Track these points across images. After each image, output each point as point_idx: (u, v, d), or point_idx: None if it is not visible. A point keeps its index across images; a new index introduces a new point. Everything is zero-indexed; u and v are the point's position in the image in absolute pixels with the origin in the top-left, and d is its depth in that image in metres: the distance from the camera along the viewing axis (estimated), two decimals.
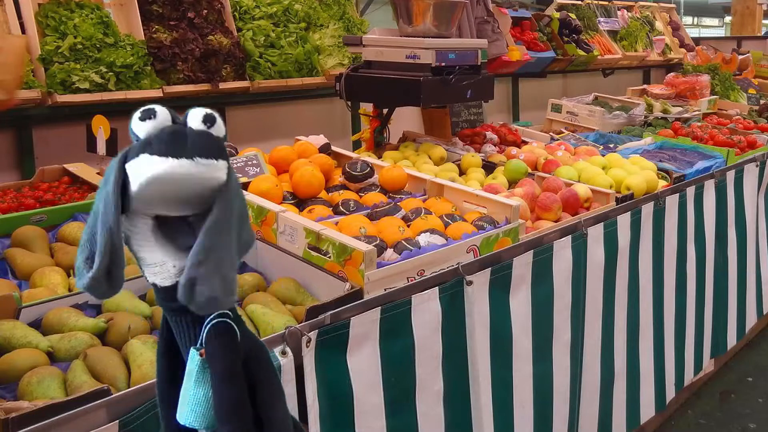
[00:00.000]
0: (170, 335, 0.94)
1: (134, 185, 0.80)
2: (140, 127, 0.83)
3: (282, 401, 0.97)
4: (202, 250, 0.81)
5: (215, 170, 0.82)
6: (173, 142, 0.80)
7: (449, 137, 3.42)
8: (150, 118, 0.82)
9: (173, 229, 0.86)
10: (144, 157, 0.79)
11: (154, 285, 0.88)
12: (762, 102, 5.38)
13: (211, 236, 0.82)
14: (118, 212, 0.80)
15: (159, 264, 0.85)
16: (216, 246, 0.82)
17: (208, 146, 0.81)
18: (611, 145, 3.71)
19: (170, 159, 0.79)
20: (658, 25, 6.61)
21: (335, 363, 1.61)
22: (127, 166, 0.81)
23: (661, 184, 2.96)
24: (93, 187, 2.51)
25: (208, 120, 0.84)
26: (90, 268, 0.81)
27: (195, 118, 0.84)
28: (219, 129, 0.85)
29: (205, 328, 0.88)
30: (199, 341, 0.89)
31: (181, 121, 0.85)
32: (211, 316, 0.89)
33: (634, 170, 2.94)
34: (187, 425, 0.89)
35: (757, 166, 3.57)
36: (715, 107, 5.12)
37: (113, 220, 0.79)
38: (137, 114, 0.83)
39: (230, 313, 0.90)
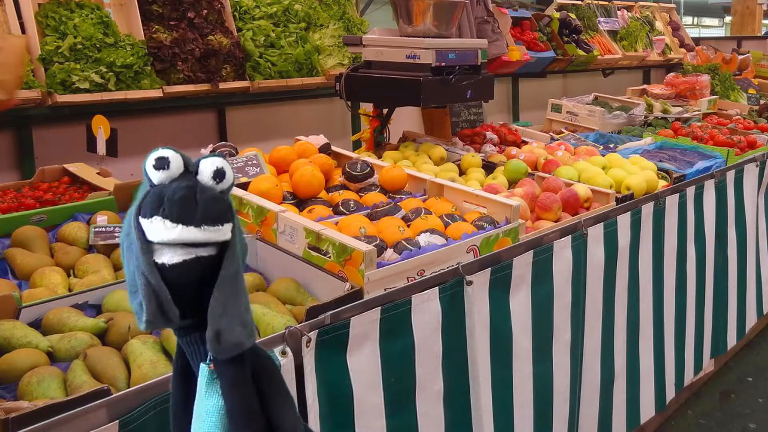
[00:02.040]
0: (185, 360, 0.98)
1: (147, 237, 0.87)
2: (154, 174, 0.88)
3: (292, 409, 1.00)
4: (219, 304, 0.88)
5: (221, 234, 0.89)
6: (183, 208, 0.86)
7: (449, 137, 3.42)
8: (164, 168, 0.87)
9: None
10: (157, 220, 0.86)
11: (163, 267, 0.90)
12: (762, 102, 5.38)
13: (224, 290, 0.89)
14: (150, 258, 0.86)
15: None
16: (230, 296, 0.89)
17: (215, 213, 0.88)
18: (611, 145, 3.71)
19: (180, 226, 0.85)
20: (658, 25, 6.61)
21: (335, 363, 1.61)
22: (142, 221, 0.87)
23: (661, 184, 2.96)
24: (93, 187, 2.51)
25: (218, 176, 0.89)
26: (142, 311, 0.88)
27: (206, 172, 0.89)
28: (228, 181, 0.91)
29: None
30: (209, 356, 0.93)
31: (192, 167, 0.90)
32: None
33: (634, 170, 2.94)
34: None
35: (757, 166, 3.57)
36: (715, 107, 5.12)
37: (147, 268, 0.86)
38: (151, 161, 0.88)
39: None
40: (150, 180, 0.88)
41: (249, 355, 0.96)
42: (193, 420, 0.94)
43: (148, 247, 0.87)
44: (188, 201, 0.86)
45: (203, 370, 0.93)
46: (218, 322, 0.88)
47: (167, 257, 0.88)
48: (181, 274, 0.89)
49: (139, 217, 0.87)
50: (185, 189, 0.87)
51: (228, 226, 0.89)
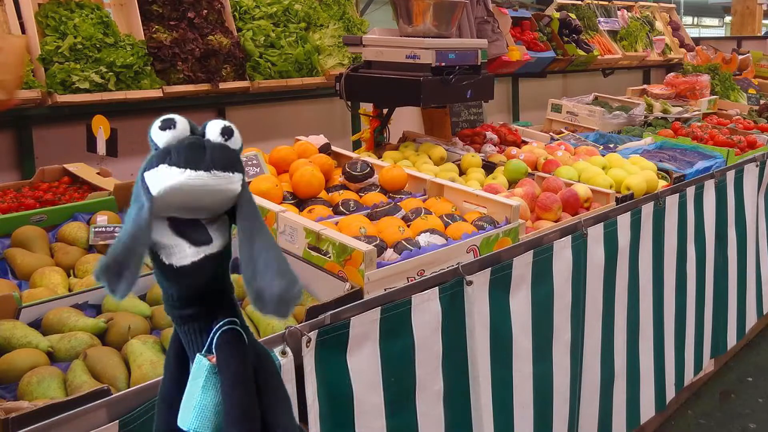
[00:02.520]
0: (180, 343, 0.95)
1: (152, 191, 0.82)
2: (160, 136, 0.85)
3: (288, 407, 0.98)
4: (248, 262, 0.84)
5: (230, 182, 0.85)
6: (192, 154, 0.82)
7: (449, 137, 3.42)
8: (170, 128, 0.84)
9: (186, 228, 0.88)
10: (163, 168, 0.82)
11: (171, 268, 0.88)
12: (762, 102, 5.38)
13: (250, 245, 0.84)
14: (150, 212, 0.81)
15: (175, 245, 0.87)
16: (257, 251, 0.84)
17: (225, 159, 0.84)
18: (611, 145, 3.71)
19: (188, 170, 0.81)
20: (658, 25, 6.61)
21: (335, 363, 1.61)
22: (146, 174, 0.83)
23: (661, 184, 2.96)
24: (93, 187, 2.51)
25: (226, 132, 0.87)
26: (107, 255, 0.82)
27: (213, 130, 0.87)
28: (236, 141, 0.88)
29: (214, 335, 0.90)
30: (205, 347, 0.90)
31: (199, 131, 0.87)
32: (220, 323, 0.90)
33: (634, 170, 2.94)
34: (191, 431, 0.89)
35: (757, 166, 3.57)
36: (715, 107, 5.12)
37: (145, 219, 0.81)
38: (157, 123, 0.85)
39: (237, 320, 0.92)
40: (155, 144, 0.85)
41: (250, 352, 0.93)
42: (181, 410, 0.90)
43: (152, 204, 0.82)
44: (197, 147, 0.83)
45: (202, 363, 0.90)
46: (254, 282, 0.83)
47: (176, 258, 0.86)
48: (191, 274, 0.87)
49: (144, 173, 0.83)
50: (193, 139, 0.84)
51: (238, 176, 0.86)
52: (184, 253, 0.86)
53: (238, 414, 0.88)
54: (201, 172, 0.82)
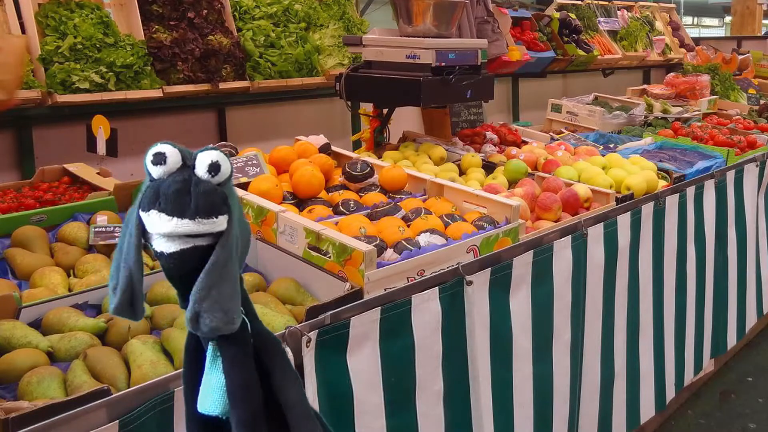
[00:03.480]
0: (195, 339, 1.02)
1: (152, 231, 0.91)
2: (152, 169, 0.91)
3: (297, 384, 1.03)
4: (203, 288, 0.91)
5: (215, 227, 0.92)
6: (178, 202, 0.90)
7: (449, 137, 3.42)
8: (161, 164, 0.90)
9: None
10: (154, 214, 0.90)
11: (172, 254, 0.93)
12: (762, 102, 5.38)
13: (211, 276, 0.91)
14: (139, 255, 0.90)
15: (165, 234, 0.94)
16: (216, 283, 0.92)
17: (209, 206, 0.91)
18: (611, 145, 3.71)
19: (175, 219, 0.89)
20: (658, 25, 6.61)
21: (335, 363, 1.61)
22: (141, 214, 0.91)
23: (661, 184, 2.96)
24: (93, 187, 2.51)
25: (213, 169, 0.92)
26: (114, 297, 0.92)
27: (202, 165, 0.92)
28: (223, 174, 0.93)
29: None
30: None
31: (190, 161, 0.92)
32: None
33: (634, 170, 2.94)
34: (204, 412, 0.97)
35: (757, 166, 3.57)
36: (715, 107, 5.12)
37: (134, 261, 0.90)
38: (150, 156, 0.91)
39: (241, 308, 0.98)
40: (150, 175, 0.91)
41: (252, 336, 1.00)
42: (200, 392, 0.98)
43: (141, 239, 0.91)
44: (182, 194, 0.90)
45: (210, 348, 0.98)
46: (198, 306, 0.91)
47: (165, 246, 0.91)
48: (179, 261, 0.92)
49: (139, 210, 0.90)
50: (179, 183, 0.90)
51: (223, 218, 0.93)
52: (173, 241, 0.92)
53: (235, 392, 0.96)
54: (186, 221, 0.90)
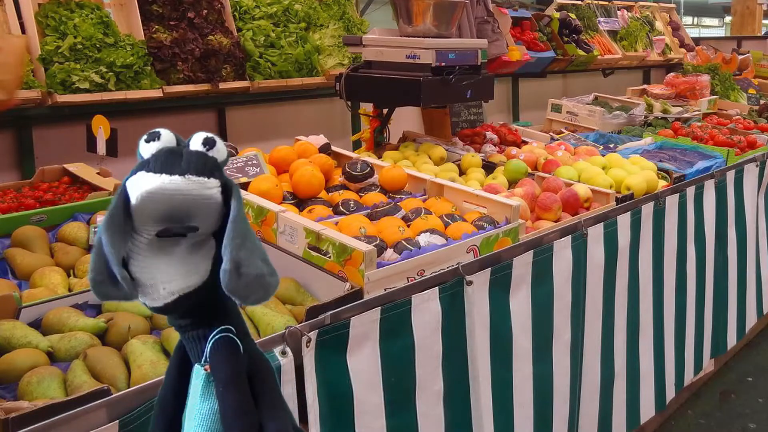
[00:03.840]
0: (185, 351, 0.98)
1: (132, 200, 0.85)
2: (145, 149, 0.88)
3: (286, 412, 0.99)
4: (238, 235, 0.85)
5: (205, 188, 0.86)
6: (168, 160, 0.85)
7: (449, 137, 3.42)
8: (154, 140, 0.87)
9: (170, 249, 0.90)
10: (141, 174, 0.85)
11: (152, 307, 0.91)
12: (762, 102, 5.38)
13: (239, 226, 0.86)
14: (119, 219, 0.85)
15: (149, 285, 0.89)
16: (248, 232, 0.87)
17: (200, 165, 0.87)
18: (611, 145, 3.71)
19: (164, 175, 0.84)
20: (658, 25, 6.61)
21: (335, 363, 1.61)
22: (127, 183, 0.86)
23: (661, 184, 2.96)
24: (93, 187, 2.51)
25: (208, 143, 0.89)
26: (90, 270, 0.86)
27: (196, 140, 0.90)
28: (218, 152, 0.90)
29: (209, 342, 0.93)
30: (204, 357, 0.93)
31: (182, 141, 0.90)
32: (215, 332, 0.93)
33: (634, 170, 2.94)
34: None
35: (757, 166, 3.57)
36: (715, 107, 5.11)
37: (109, 224, 0.84)
38: (144, 136, 0.88)
39: (232, 328, 0.95)
40: (141, 156, 0.88)
41: (245, 356, 0.95)
42: (186, 420, 0.94)
43: (123, 208, 0.85)
44: (174, 154, 0.86)
45: (199, 373, 0.93)
46: (237, 253, 0.85)
47: (150, 300, 0.88)
48: (166, 312, 0.89)
49: (126, 182, 0.86)
50: (172, 148, 0.88)
51: (215, 183, 0.88)
52: (157, 294, 0.88)
53: (232, 414, 0.91)
54: (176, 177, 0.84)
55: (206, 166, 0.87)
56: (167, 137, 0.88)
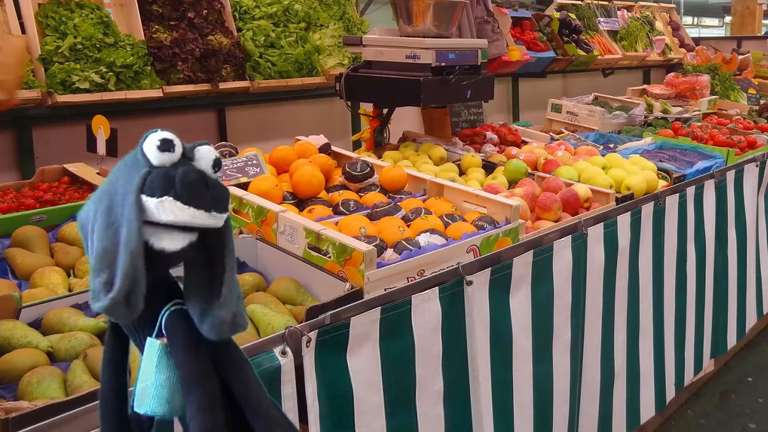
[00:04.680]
0: (116, 345, 0.99)
1: (155, 218, 0.86)
2: (155, 156, 0.87)
3: (255, 387, 1.00)
4: (235, 286, 0.90)
5: (220, 222, 0.91)
6: (197, 191, 0.87)
7: (449, 137, 3.42)
8: (169, 151, 0.87)
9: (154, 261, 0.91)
10: (168, 201, 0.86)
11: (156, 252, 0.91)
12: (762, 102, 5.38)
13: (233, 271, 0.91)
14: (141, 239, 0.85)
15: (165, 230, 0.90)
16: (235, 278, 0.92)
17: (223, 202, 0.90)
18: (611, 145, 3.71)
19: (191, 209, 0.86)
20: (658, 25, 6.61)
21: (335, 363, 1.61)
22: (149, 200, 0.86)
23: (661, 184, 2.96)
24: (93, 187, 2.51)
25: (217, 165, 0.91)
26: (108, 291, 0.84)
27: (206, 161, 0.90)
28: (221, 173, 0.96)
29: (162, 317, 0.95)
30: (156, 331, 0.94)
31: (188, 152, 0.90)
32: (167, 307, 0.95)
33: (634, 170, 2.94)
34: (149, 413, 0.92)
35: (757, 166, 3.57)
36: (715, 107, 5.11)
37: (136, 246, 0.84)
38: (155, 141, 0.87)
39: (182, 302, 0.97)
40: (148, 160, 0.87)
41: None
42: (136, 395, 0.93)
43: (142, 229, 0.85)
44: (200, 185, 0.88)
45: (153, 344, 0.93)
46: (237, 305, 0.89)
47: (167, 242, 0.88)
48: (173, 260, 0.90)
49: (142, 195, 0.86)
50: (196, 174, 0.88)
51: (225, 216, 0.92)
52: (173, 238, 0.89)
53: (191, 378, 0.92)
54: (202, 212, 0.87)
55: (226, 202, 0.90)
56: (179, 148, 0.89)
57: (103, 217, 0.88)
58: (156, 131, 0.89)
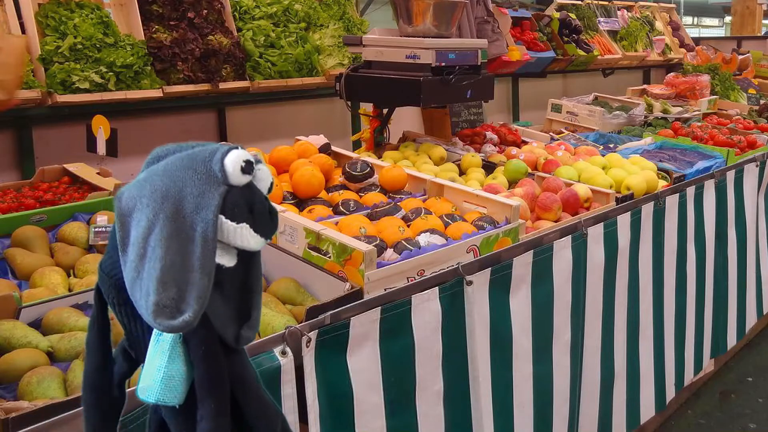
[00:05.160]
0: (100, 330, 0.98)
1: (226, 241, 0.90)
2: (237, 177, 0.89)
3: (270, 413, 1.01)
4: (258, 290, 0.97)
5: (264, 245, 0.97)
6: (269, 226, 0.94)
7: (449, 137, 3.42)
8: (249, 174, 0.91)
9: None
10: (245, 228, 0.90)
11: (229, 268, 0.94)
12: (762, 102, 5.38)
13: (260, 295, 0.98)
14: (214, 264, 0.88)
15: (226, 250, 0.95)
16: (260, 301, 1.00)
17: (274, 230, 0.97)
18: (611, 145, 3.71)
19: (259, 237, 0.93)
20: (658, 25, 6.61)
21: (335, 363, 1.61)
22: (227, 222, 0.89)
23: (661, 184, 2.96)
24: (93, 187, 2.51)
25: (269, 190, 0.96)
26: (177, 310, 0.84)
27: (264, 183, 0.94)
28: None
29: None
30: None
31: (251, 175, 0.93)
32: None
33: (634, 170, 2.94)
34: (155, 402, 0.91)
35: (757, 166, 3.57)
36: (715, 107, 5.12)
37: (211, 269, 0.87)
38: (240, 162, 0.89)
39: None
40: (227, 178, 0.88)
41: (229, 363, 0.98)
42: (141, 382, 0.92)
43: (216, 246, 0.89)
44: (269, 216, 0.95)
45: (165, 335, 0.91)
46: (258, 324, 0.96)
47: (226, 260, 0.92)
48: (222, 275, 0.92)
49: (223, 216, 0.88)
50: (267, 204, 0.94)
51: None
52: (232, 256, 0.93)
53: (212, 381, 0.92)
54: (264, 241, 0.94)
55: (276, 230, 0.98)
56: (262, 174, 0.93)
57: (168, 225, 0.86)
58: (237, 148, 0.91)
